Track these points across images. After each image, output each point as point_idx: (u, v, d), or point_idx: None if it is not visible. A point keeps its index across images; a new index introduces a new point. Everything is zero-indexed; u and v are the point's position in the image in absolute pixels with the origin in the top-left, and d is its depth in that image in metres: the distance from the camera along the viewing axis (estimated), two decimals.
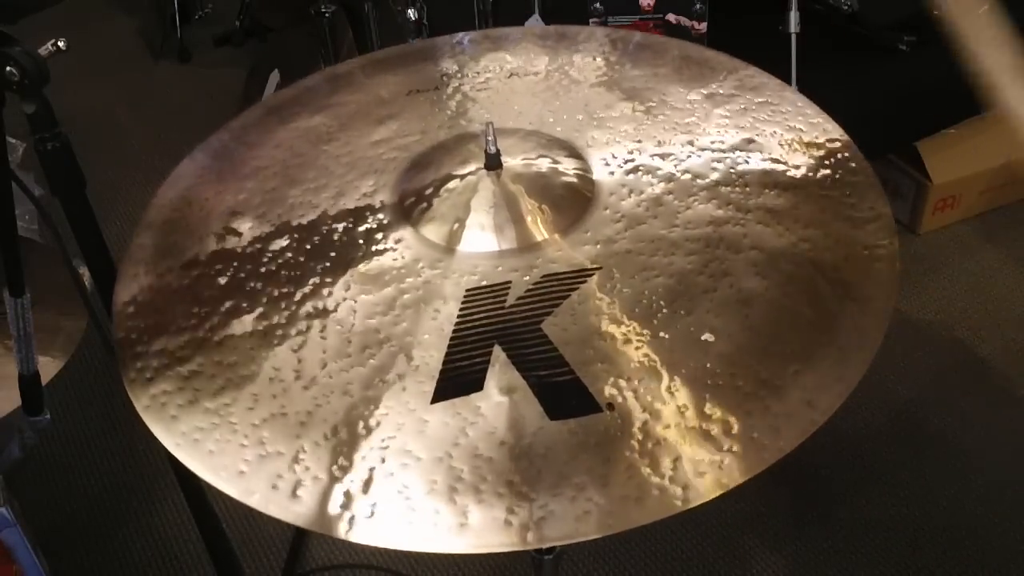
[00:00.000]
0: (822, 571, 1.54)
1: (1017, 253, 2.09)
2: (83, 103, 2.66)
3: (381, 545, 0.59)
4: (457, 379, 0.67)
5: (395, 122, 0.92)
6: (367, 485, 0.61)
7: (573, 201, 0.80)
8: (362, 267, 0.76)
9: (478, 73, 0.98)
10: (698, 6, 1.84)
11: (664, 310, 0.70)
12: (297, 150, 0.90)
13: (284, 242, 0.79)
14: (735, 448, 0.62)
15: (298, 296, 0.74)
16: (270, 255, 0.78)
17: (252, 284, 0.76)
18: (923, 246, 2.11)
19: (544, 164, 0.83)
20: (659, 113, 0.90)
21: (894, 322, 0.69)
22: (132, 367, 0.71)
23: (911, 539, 1.57)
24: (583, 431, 0.63)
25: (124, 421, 1.78)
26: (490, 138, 0.79)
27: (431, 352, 0.68)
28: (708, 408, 0.64)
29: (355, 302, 0.73)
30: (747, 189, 0.80)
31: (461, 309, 0.71)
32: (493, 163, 0.80)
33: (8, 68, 0.86)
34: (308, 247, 0.79)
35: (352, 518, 0.60)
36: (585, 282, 0.73)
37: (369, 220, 0.80)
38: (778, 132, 0.86)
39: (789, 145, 0.85)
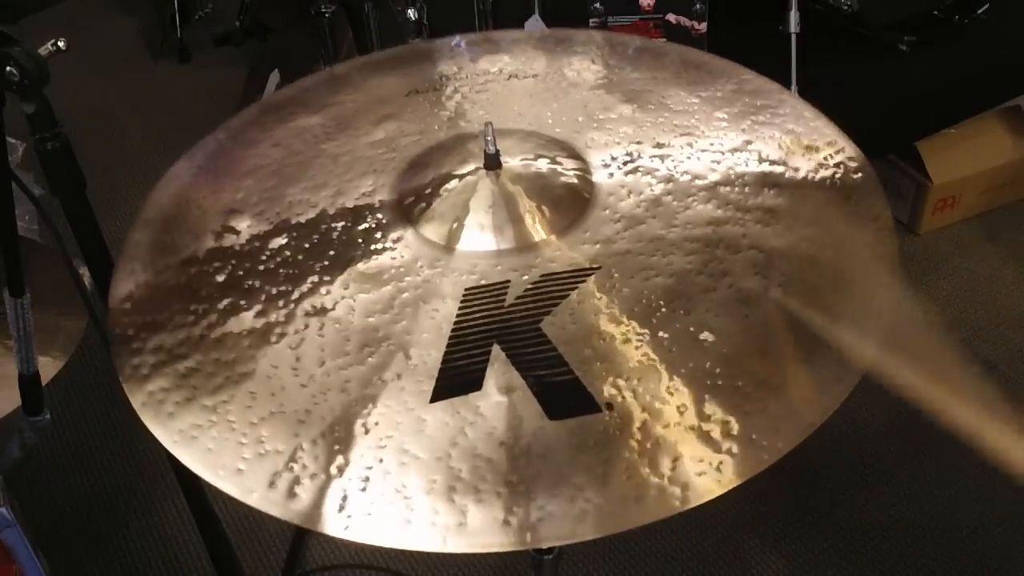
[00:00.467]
0: (822, 571, 1.54)
1: (1017, 253, 2.09)
2: (83, 103, 2.66)
3: (379, 544, 0.59)
4: (456, 378, 0.67)
5: (394, 122, 0.92)
6: (365, 484, 0.61)
7: (572, 201, 0.80)
8: (361, 266, 0.76)
9: (477, 75, 0.98)
10: (698, 6, 1.84)
11: (663, 310, 0.70)
12: (295, 149, 0.90)
13: (282, 240, 0.79)
14: (734, 448, 0.62)
15: (296, 294, 0.74)
16: (268, 253, 0.78)
17: (250, 282, 0.76)
18: (923, 246, 2.11)
19: (543, 164, 0.83)
20: (658, 115, 0.90)
21: None
22: (129, 364, 0.71)
23: (911, 539, 1.57)
24: (582, 431, 0.63)
25: (124, 421, 1.78)
26: (489, 138, 0.79)
27: (430, 351, 0.68)
28: (707, 408, 0.64)
29: (354, 301, 0.73)
30: (746, 189, 0.80)
31: (460, 308, 0.71)
32: (492, 163, 0.80)
33: (8, 68, 0.86)
34: (307, 246, 0.79)
35: (350, 517, 0.60)
36: (584, 282, 0.73)
37: (368, 219, 0.80)
38: (777, 134, 0.86)
39: (788, 146, 0.85)
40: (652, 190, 0.81)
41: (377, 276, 0.75)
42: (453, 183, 0.81)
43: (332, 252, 0.78)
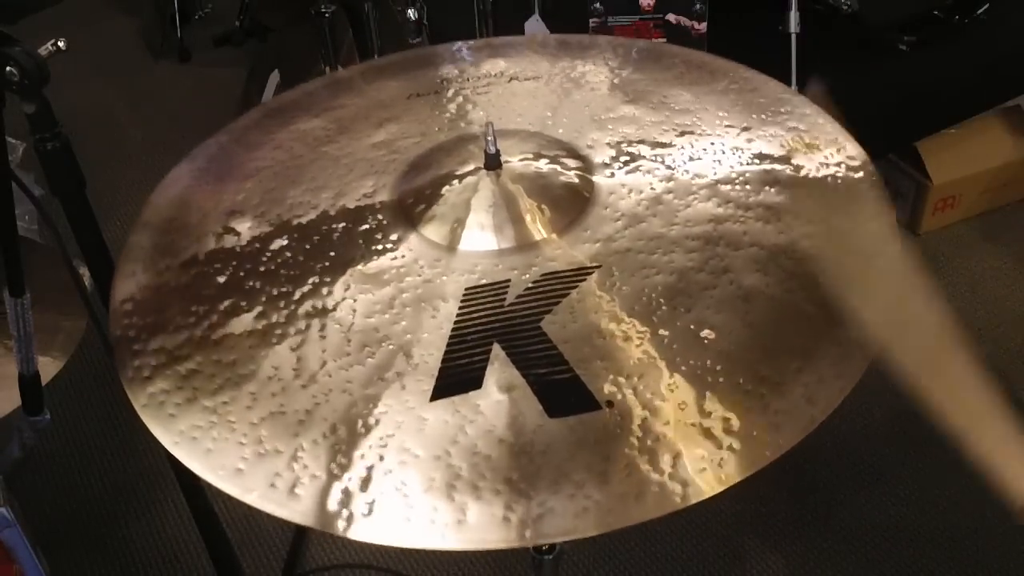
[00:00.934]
0: (822, 571, 1.54)
1: (1017, 253, 2.09)
2: (83, 103, 2.66)
3: (379, 542, 0.59)
4: (456, 377, 0.67)
5: (395, 125, 0.92)
6: (365, 483, 0.61)
7: (572, 200, 0.80)
8: (362, 266, 0.76)
9: (478, 78, 0.98)
10: (698, 6, 1.84)
11: (664, 307, 0.70)
12: (296, 152, 0.90)
13: (283, 241, 0.79)
14: (735, 445, 0.62)
15: (297, 295, 0.74)
16: (269, 254, 0.78)
17: (251, 283, 0.76)
18: (923, 246, 2.11)
19: (544, 164, 0.83)
20: (659, 114, 0.90)
21: None
22: (130, 365, 0.71)
23: (911, 539, 1.57)
24: (582, 428, 0.63)
25: (124, 421, 1.78)
26: (490, 138, 0.79)
27: (430, 350, 0.68)
28: (708, 405, 0.64)
29: (354, 301, 0.73)
30: (747, 187, 0.80)
31: (460, 308, 0.71)
32: (493, 163, 0.80)
33: (8, 68, 0.86)
34: (307, 247, 0.79)
35: (350, 515, 0.60)
36: (584, 280, 0.73)
37: (369, 220, 0.80)
38: (778, 132, 0.86)
39: (790, 144, 0.85)
40: (653, 188, 0.81)
41: (378, 276, 0.75)
42: (454, 183, 0.81)
43: (333, 253, 0.78)
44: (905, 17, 1.96)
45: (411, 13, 1.76)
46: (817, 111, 0.89)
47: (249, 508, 0.62)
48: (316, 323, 0.72)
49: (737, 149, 0.85)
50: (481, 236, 0.77)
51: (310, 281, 0.75)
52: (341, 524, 0.60)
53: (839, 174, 0.82)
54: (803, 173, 0.82)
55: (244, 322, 0.73)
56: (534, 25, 1.86)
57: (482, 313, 0.71)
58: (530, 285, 0.73)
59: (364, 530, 0.60)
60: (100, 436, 1.82)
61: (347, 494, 0.61)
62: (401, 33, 1.79)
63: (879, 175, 0.81)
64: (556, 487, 0.60)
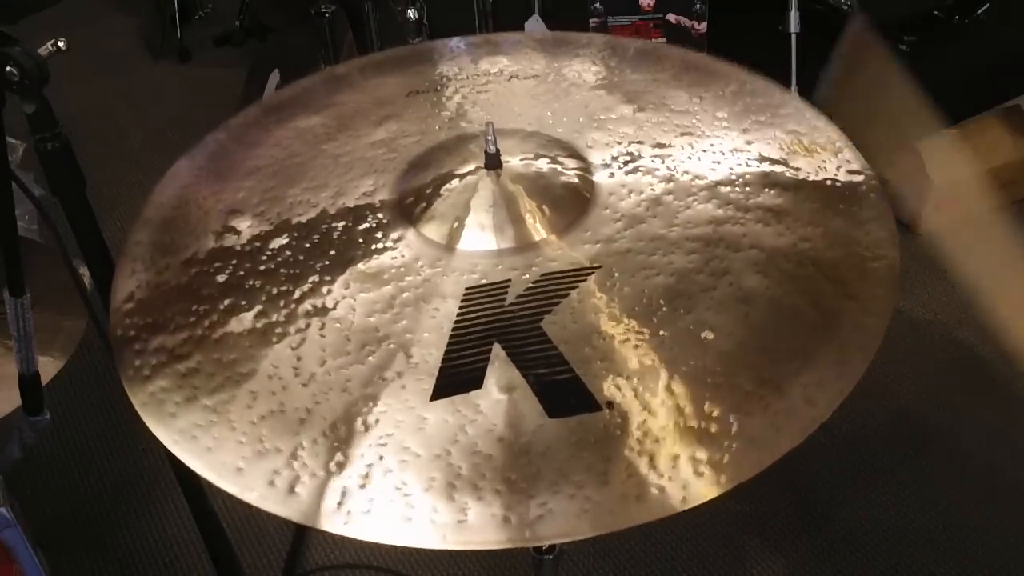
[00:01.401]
0: (822, 571, 1.54)
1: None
2: (83, 103, 2.66)
3: (378, 541, 0.59)
4: (456, 376, 0.67)
5: (394, 123, 0.92)
6: (365, 481, 0.61)
7: (573, 201, 0.80)
8: (361, 265, 0.76)
9: (478, 76, 0.98)
10: (698, 6, 1.84)
11: (664, 309, 0.70)
12: (296, 150, 0.90)
13: (283, 240, 0.79)
14: (735, 447, 0.62)
15: (297, 294, 0.74)
16: (269, 253, 0.78)
17: (251, 282, 0.76)
18: (923, 246, 2.10)
19: (544, 164, 0.83)
20: (659, 115, 0.90)
21: (893, 322, 0.69)
22: (130, 364, 0.71)
23: (911, 539, 1.57)
24: (582, 429, 0.63)
25: (124, 421, 1.78)
26: (490, 138, 0.79)
27: (430, 350, 0.68)
28: (708, 407, 0.64)
29: (354, 300, 0.73)
30: (747, 189, 0.80)
31: (460, 307, 0.71)
32: (493, 163, 0.80)
33: (8, 68, 0.86)
34: (307, 245, 0.79)
35: (349, 514, 0.60)
36: (584, 281, 0.73)
37: (369, 219, 0.80)
38: (778, 134, 0.86)
39: (789, 146, 0.85)
40: (653, 189, 0.81)
41: (378, 276, 0.75)
42: (454, 183, 0.81)
43: (333, 252, 0.78)
44: (905, 17, 1.96)
45: (411, 13, 1.76)
46: (816, 113, 0.89)
47: (249, 507, 0.62)
48: (316, 322, 0.72)
49: (736, 151, 0.85)
50: (481, 236, 0.77)
51: (310, 280, 0.75)
52: (340, 523, 0.60)
53: (838, 176, 0.82)
54: (802, 175, 0.82)
55: (244, 321, 0.73)
56: (534, 25, 1.86)
57: (482, 313, 0.71)
58: (530, 285, 0.73)
59: (363, 529, 0.60)
60: (100, 436, 1.82)
61: (346, 493, 0.61)
62: (401, 33, 1.79)
63: (878, 176, 0.81)
64: (556, 488, 0.60)
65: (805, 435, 0.62)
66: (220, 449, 0.64)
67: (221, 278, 0.77)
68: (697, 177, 0.82)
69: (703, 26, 1.85)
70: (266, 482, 0.62)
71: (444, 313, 0.71)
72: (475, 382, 0.66)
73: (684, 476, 0.60)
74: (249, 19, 2.91)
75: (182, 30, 2.96)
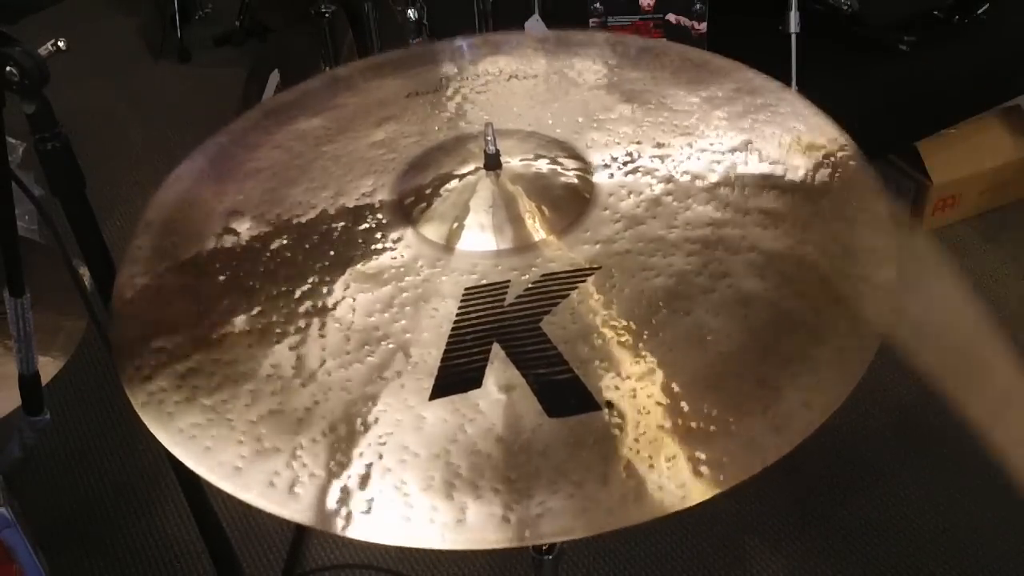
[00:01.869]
0: (822, 571, 1.54)
1: (1017, 253, 2.09)
2: (83, 103, 2.66)
3: (378, 541, 0.59)
4: (456, 376, 0.67)
5: (394, 124, 0.92)
6: (364, 481, 0.61)
7: (572, 202, 0.80)
8: (361, 266, 0.76)
9: (477, 76, 0.98)
10: (698, 6, 1.84)
11: (663, 310, 0.70)
12: (296, 151, 0.90)
13: (283, 241, 0.79)
14: (734, 447, 0.62)
15: (297, 294, 0.74)
16: (269, 254, 0.78)
17: (251, 282, 0.76)
18: (923, 246, 2.10)
19: (543, 165, 0.83)
20: (658, 115, 0.90)
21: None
22: (130, 364, 0.71)
23: (911, 539, 1.57)
24: (582, 429, 0.63)
25: (124, 421, 1.78)
26: (490, 138, 0.79)
27: (430, 350, 0.69)
28: (707, 407, 0.64)
29: (354, 300, 0.73)
30: (746, 191, 0.80)
31: (460, 307, 0.71)
32: (492, 163, 0.80)
33: (8, 68, 0.86)
34: (307, 246, 0.79)
35: (349, 514, 0.60)
36: (584, 282, 0.73)
37: (368, 219, 0.80)
38: (777, 134, 0.86)
39: (788, 147, 0.85)
40: (652, 190, 0.81)
41: (377, 276, 0.75)
42: (453, 183, 0.81)
43: (332, 252, 0.78)
44: (905, 17, 1.96)
45: (411, 13, 1.76)
46: (816, 111, 0.88)
47: (249, 507, 0.62)
48: (316, 322, 0.72)
49: (736, 151, 0.85)
50: (481, 236, 0.77)
51: (310, 280, 0.75)
52: (340, 523, 0.60)
53: (838, 176, 0.82)
54: (802, 177, 0.82)
55: (244, 321, 0.73)
56: (534, 25, 1.86)
57: (482, 313, 0.71)
58: (530, 286, 0.73)
59: (363, 529, 0.60)
60: (100, 436, 1.82)
61: (346, 492, 0.61)
62: (401, 33, 1.79)
63: (879, 177, 0.81)
64: (555, 487, 0.60)
65: (803, 437, 0.62)
66: (219, 449, 0.64)
67: (221, 279, 0.77)
68: (696, 178, 0.82)
69: (703, 26, 1.85)
70: (266, 482, 0.62)
71: (443, 313, 0.71)
72: (475, 381, 0.66)
73: (683, 476, 0.60)
74: (249, 19, 2.91)
75: (182, 30, 2.96)
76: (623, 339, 0.68)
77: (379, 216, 0.81)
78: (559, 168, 0.83)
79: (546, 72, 0.97)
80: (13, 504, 1.08)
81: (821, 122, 0.87)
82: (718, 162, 0.83)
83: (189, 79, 2.89)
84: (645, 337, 0.68)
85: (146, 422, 0.67)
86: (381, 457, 0.63)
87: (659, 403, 0.64)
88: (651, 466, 0.61)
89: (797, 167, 0.82)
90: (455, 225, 0.78)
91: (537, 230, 0.77)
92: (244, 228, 0.81)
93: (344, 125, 0.93)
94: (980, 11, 1.98)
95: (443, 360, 0.68)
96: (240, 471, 0.63)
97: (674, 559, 1.56)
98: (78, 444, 1.81)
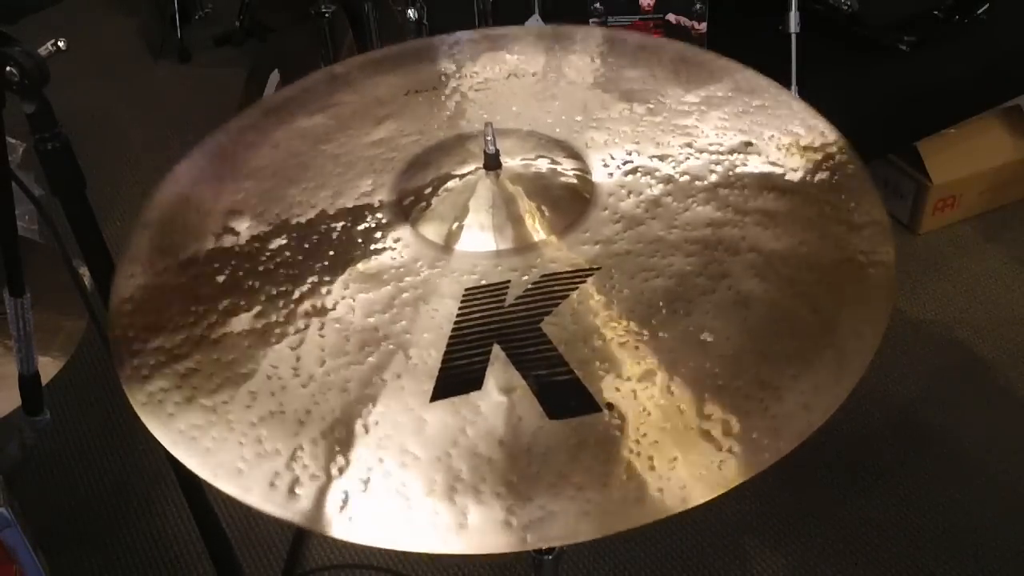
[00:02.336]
0: (822, 571, 1.54)
1: (1017, 253, 2.09)
2: (83, 103, 2.66)
3: (379, 545, 0.59)
4: (456, 378, 0.67)
5: (393, 122, 0.92)
6: (365, 484, 0.61)
7: (572, 202, 0.80)
8: (361, 266, 0.76)
9: (476, 73, 0.98)
10: (698, 6, 1.84)
11: (663, 311, 0.70)
12: (295, 150, 0.90)
13: (282, 241, 0.79)
14: (734, 448, 0.62)
15: (296, 294, 0.74)
16: (268, 254, 0.78)
17: (250, 282, 0.76)
18: (923, 246, 2.11)
19: (543, 165, 0.83)
20: (657, 115, 0.90)
21: (893, 322, 0.70)
22: (129, 364, 0.71)
23: (911, 539, 1.57)
24: (582, 431, 0.63)
25: (124, 421, 1.78)
26: (489, 138, 0.79)
27: (430, 351, 0.68)
28: (707, 408, 0.64)
29: (354, 300, 0.73)
30: (745, 192, 0.80)
31: (460, 308, 0.71)
32: (492, 163, 0.80)
33: (8, 68, 0.86)
34: (306, 246, 0.79)
35: (350, 517, 0.60)
36: (584, 282, 0.73)
37: (368, 219, 0.80)
38: (776, 135, 0.86)
39: (787, 148, 0.85)
40: (652, 191, 0.81)
41: (377, 276, 0.75)
42: (453, 183, 0.81)
43: (332, 252, 0.78)
44: (905, 17, 1.96)
45: (411, 13, 1.76)
46: (814, 113, 0.88)
47: (249, 508, 0.61)
48: (315, 322, 0.72)
49: (735, 152, 0.84)
50: (480, 237, 0.77)
51: (309, 280, 0.75)
52: (341, 526, 0.60)
53: (836, 177, 0.82)
54: (800, 176, 0.82)
55: (243, 321, 0.73)
56: (534, 26, 1.86)
57: (482, 314, 0.71)
58: (530, 286, 0.72)
59: (365, 532, 0.59)
60: (100, 436, 1.82)
61: (347, 495, 0.61)
62: (401, 33, 1.79)
63: (878, 176, 0.81)
64: (556, 490, 0.60)
65: (803, 438, 0.62)
66: (219, 450, 0.64)
67: (220, 279, 0.77)
68: (696, 178, 0.82)
69: (703, 26, 1.85)
70: (266, 483, 0.62)
71: (443, 314, 0.71)
72: (475, 383, 0.66)
73: (684, 477, 0.60)
74: (249, 19, 2.91)
75: (182, 30, 2.96)
76: (623, 340, 0.68)
77: (379, 216, 0.81)
78: (559, 168, 0.83)
79: (545, 70, 0.97)
80: (13, 504, 1.09)
81: (819, 124, 0.87)
82: (717, 163, 0.83)
83: (189, 79, 2.89)
84: (645, 338, 0.68)
85: (146, 422, 0.67)
86: (382, 460, 0.62)
87: (659, 404, 0.64)
88: (652, 468, 0.61)
89: (795, 169, 0.82)
90: (455, 225, 0.78)
91: (537, 230, 0.77)
92: (243, 227, 0.81)
93: (343, 123, 0.93)
94: (980, 11, 1.98)
95: (444, 361, 0.68)
96: (241, 473, 0.63)
97: (674, 559, 1.56)
98: (78, 444, 1.81)
